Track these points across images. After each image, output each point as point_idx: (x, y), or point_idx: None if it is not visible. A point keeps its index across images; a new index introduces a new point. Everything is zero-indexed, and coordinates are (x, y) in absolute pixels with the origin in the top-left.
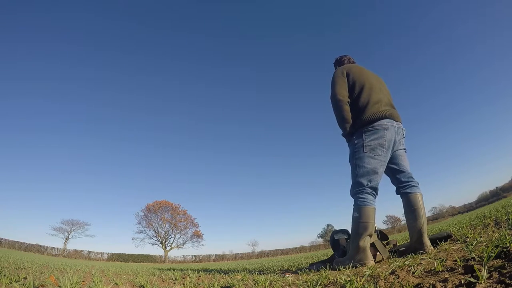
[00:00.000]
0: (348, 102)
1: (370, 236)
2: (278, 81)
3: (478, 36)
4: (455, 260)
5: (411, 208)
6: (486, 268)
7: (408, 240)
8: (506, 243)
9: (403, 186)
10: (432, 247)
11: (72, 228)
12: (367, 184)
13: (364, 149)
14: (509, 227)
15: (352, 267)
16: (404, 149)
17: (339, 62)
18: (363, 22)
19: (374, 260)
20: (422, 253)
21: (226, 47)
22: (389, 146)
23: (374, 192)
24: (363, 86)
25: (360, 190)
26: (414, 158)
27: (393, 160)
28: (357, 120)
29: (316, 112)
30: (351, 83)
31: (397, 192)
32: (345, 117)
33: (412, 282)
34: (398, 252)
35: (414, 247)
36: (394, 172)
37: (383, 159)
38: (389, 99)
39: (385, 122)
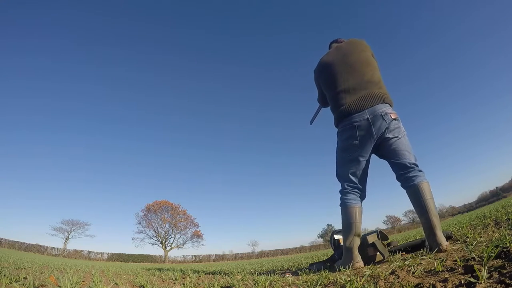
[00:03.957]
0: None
1: (358, 236)
2: (285, 80)
3: (483, 33)
4: (455, 260)
5: (415, 203)
6: (486, 268)
7: (408, 240)
8: (506, 243)
9: (403, 180)
10: (446, 244)
11: (72, 228)
12: (347, 184)
13: (339, 151)
14: (509, 227)
15: (344, 267)
16: (395, 137)
17: (329, 47)
18: (363, 18)
19: (375, 261)
20: (423, 254)
21: (228, 45)
22: (365, 141)
23: (355, 191)
24: (330, 84)
25: (342, 191)
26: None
27: (385, 154)
28: (334, 121)
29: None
30: (323, 86)
31: (402, 186)
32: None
33: (412, 282)
34: (408, 248)
35: (428, 244)
36: (392, 166)
37: (360, 158)
38: (358, 81)
39: (352, 118)
